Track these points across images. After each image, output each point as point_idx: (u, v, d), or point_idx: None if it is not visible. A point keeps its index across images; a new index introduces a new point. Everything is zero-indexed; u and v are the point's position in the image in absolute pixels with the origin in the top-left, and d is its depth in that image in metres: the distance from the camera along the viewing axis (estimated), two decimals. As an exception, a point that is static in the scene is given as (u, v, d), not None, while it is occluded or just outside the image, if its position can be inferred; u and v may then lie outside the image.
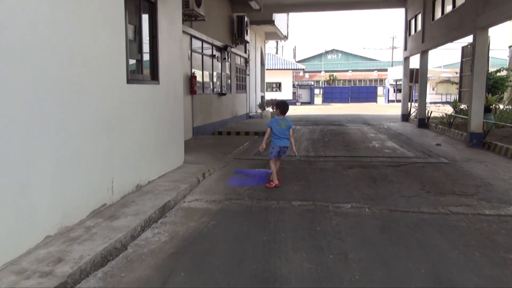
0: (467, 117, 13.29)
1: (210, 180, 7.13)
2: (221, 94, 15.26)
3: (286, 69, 41.50)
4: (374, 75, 73.10)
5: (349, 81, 73.30)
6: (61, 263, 3.46)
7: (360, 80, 73.52)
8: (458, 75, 43.45)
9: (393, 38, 77.52)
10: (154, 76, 6.70)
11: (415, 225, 4.84)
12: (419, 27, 17.29)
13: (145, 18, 6.48)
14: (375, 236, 4.49)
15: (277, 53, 51.03)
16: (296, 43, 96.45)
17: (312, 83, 56.54)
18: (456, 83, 45.52)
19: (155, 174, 6.58)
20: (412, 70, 19.47)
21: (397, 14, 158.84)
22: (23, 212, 3.65)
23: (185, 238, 4.44)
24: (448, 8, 13.46)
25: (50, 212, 4.01)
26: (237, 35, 17.05)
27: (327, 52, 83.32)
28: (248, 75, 20.55)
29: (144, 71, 6.48)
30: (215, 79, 14.87)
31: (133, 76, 5.96)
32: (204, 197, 6.02)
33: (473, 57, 10.72)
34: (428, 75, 19.56)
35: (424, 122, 16.60)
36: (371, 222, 4.95)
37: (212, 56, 14.31)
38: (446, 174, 7.52)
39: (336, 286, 3.39)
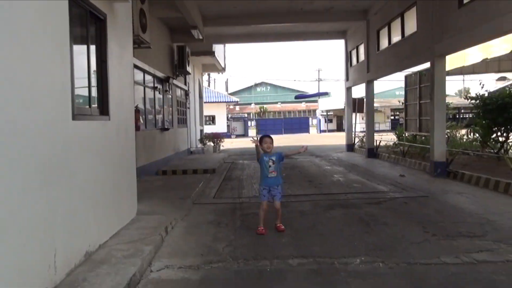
0: (423, 146, 13.17)
1: (175, 235, 5.80)
2: (163, 129, 13.90)
3: (220, 101, 40.82)
4: (303, 106, 75.02)
5: (279, 112, 74.50)
6: None
7: (289, 112, 74.99)
8: (387, 104, 45.33)
9: (318, 71, 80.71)
10: (104, 110, 5.36)
11: (451, 283, 3.95)
12: (361, 58, 17.35)
13: (93, 40, 5.19)
14: (418, 307, 3.51)
15: (209, 85, 50.44)
16: (228, 76, 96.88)
17: (245, 115, 56.38)
18: (379, 111, 47.33)
19: (106, 234, 5.15)
20: (354, 100, 19.48)
21: (323, 48, 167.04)
22: None
23: (171, 334, 3.15)
24: (396, 38, 13.46)
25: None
26: (178, 66, 15.90)
27: (256, 85, 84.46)
28: (189, 108, 19.36)
29: (92, 105, 5.14)
30: (157, 113, 13.53)
31: (80, 110, 4.62)
32: (176, 262, 4.69)
33: (432, 85, 10.53)
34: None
35: (373, 152, 16.39)
36: (397, 283, 3.98)
37: (154, 88, 13.02)
38: (437, 211, 6.84)
39: None
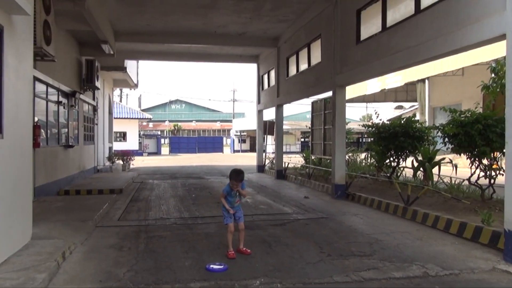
0: (326, 169, 13.99)
1: (73, 261, 5.53)
2: (68, 146, 13.17)
3: (132, 118, 39.65)
4: (218, 125, 75.64)
5: (194, 131, 74.23)
6: None
7: (204, 130, 75.05)
8: (298, 127, 47.17)
9: (233, 91, 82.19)
10: (-4, 127, 5.03)
11: (340, 301, 4.28)
12: (273, 82, 18.09)
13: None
14: (308, 325, 3.75)
15: (121, 101, 48.86)
16: (142, 92, 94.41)
17: (159, 132, 55.27)
18: (290, 134, 49.21)
19: (-6, 262, 4.78)
20: (265, 122, 20.15)
21: (239, 69, 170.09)
22: None
23: None
24: (303, 66, 14.29)
25: None
26: (86, 80, 15.26)
27: (171, 102, 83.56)
28: (97, 124, 18.57)
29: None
30: (61, 129, 12.81)
31: (-33, 128, 4.29)
32: (72, 290, 4.50)
33: (334, 112, 11.33)
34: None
35: (282, 173, 17.02)
36: (292, 303, 4.21)
37: (58, 102, 12.34)
38: (334, 232, 7.33)
39: None
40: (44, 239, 6.09)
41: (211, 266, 5.26)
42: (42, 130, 10.86)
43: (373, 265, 5.41)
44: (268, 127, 20.11)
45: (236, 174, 5.84)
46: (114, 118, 33.34)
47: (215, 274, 5.02)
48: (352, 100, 32.38)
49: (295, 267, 5.32)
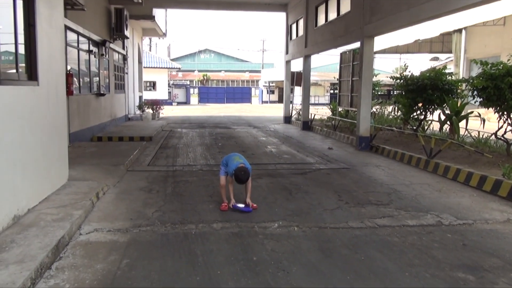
0: (352, 121, 13.98)
1: (106, 201, 5.98)
2: (99, 94, 13.61)
3: (162, 67, 39.93)
4: (246, 76, 75.08)
5: (222, 81, 74.06)
6: None
7: (232, 81, 74.75)
8: (327, 78, 46.39)
9: (263, 41, 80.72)
10: (32, 75, 5.32)
11: (353, 244, 4.52)
12: (301, 32, 17.77)
13: (19, 2, 5.09)
14: (321, 263, 4.02)
15: (150, 50, 48.96)
16: (171, 41, 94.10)
17: (188, 82, 55.60)
18: (319, 85, 48.56)
19: (35, 199, 5.23)
20: (293, 73, 20.00)
21: (268, 18, 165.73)
22: None
23: (96, 289, 3.43)
24: (332, 15, 13.96)
25: None
26: (116, 30, 15.46)
27: (200, 52, 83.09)
28: (127, 73, 18.93)
29: (20, 69, 5.09)
30: (92, 78, 13.20)
31: (6, 75, 4.59)
32: (105, 226, 4.93)
33: (361, 63, 11.17)
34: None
35: (308, 125, 17.11)
36: (307, 245, 4.49)
37: (89, 51, 12.64)
38: (354, 181, 7.52)
39: None
40: (80, 181, 6.55)
41: (238, 204, 5.57)
42: (75, 79, 11.23)
43: (388, 213, 5.61)
44: (296, 78, 19.95)
45: (239, 179, 5.49)
46: (144, 67, 33.79)
47: (236, 216, 5.34)
48: (385, 51, 31.44)
49: (313, 213, 5.59)
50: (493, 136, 9.63)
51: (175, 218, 5.27)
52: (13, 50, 4.96)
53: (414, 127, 12.59)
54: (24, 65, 5.27)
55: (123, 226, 4.93)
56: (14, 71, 4.96)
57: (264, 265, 3.95)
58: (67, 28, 10.28)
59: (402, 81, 12.06)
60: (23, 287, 3.22)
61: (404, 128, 13.09)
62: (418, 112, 12.35)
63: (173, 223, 5.08)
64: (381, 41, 19.47)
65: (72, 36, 11.01)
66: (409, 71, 12.88)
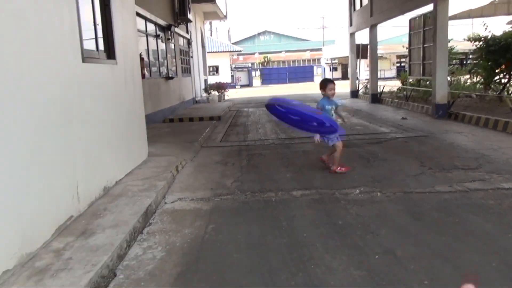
0: (426, 89, 13.24)
1: (185, 173, 6.14)
2: (168, 78, 14.01)
3: (223, 51, 40.31)
4: (307, 55, 73.82)
5: (283, 62, 73.47)
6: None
7: (293, 61, 73.91)
8: (392, 51, 44.32)
9: (323, 18, 78.72)
10: (111, 54, 5.53)
11: (443, 207, 4.26)
12: (365, 1, 17.02)
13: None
14: (410, 226, 3.83)
15: (211, 35, 49.61)
16: (231, 25, 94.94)
17: (249, 65, 55.87)
18: (385, 58, 46.52)
19: (121, 173, 5.48)
20: (358, 46, 19.29)
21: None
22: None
23: (187, 251, 3.50)
24: (400, -22, 13.18)
25: (5, 237, 2.90)
26: (179, 14, 15.75)
27: (259, 34, 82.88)
28: (192, 57, 19.31)
29: (99, 48, 5.30)
30: (161, 62, 13.59)
31: (89, 53, 4.79)
32: (188, 195, 5.05)
33: (435, 27, 10.47)
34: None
35: (377, 97, 16.49)
36: (394, 209, 4.30)
37: (157, 36, 13.00)
38: (435, 148, 7.11)
39: (410, 299, 2.68)
40: (159, 156, 6.79)
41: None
42: (146, 61, 11.61)
43: (479, 177, 5.23)
44: (361, 51, 19.23)
45: (326, 80, 5.75)
46: (207, 52, 34.40)
47: (315, 183, 5.24)
48: (456, 17, 29.34)
49: (395, 179, 5.35)
50: None
51: (254, 187, 5.28)
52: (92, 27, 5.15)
53: (497, 92, 11.65)
54: (102, 44, 5.48)
55: (205, 195, 5.02)
56: (95, 50, 5.16)
57: (351, 228, 3.83)
58: (136, 13, 10.60)
59: (482, 43, 11.16)
60: (120, 247, 3.37)
61: (486, 93, 12.16)
62: (501, 75, 11.40)
63: (252, 191, 5.10)
64: (452, 6, 18.18)
65: (140, 22, 11.34)
66: (490, 31, 11.89)
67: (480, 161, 6.04)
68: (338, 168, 5.74)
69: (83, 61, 4.51)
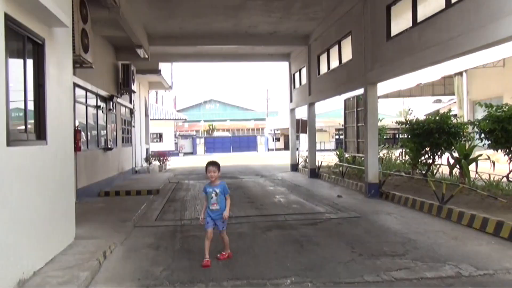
0: (359, 167, 13.88)
1: (113, 259, 5.83)
2: (107, 149, 13.71)
3: (168, 119, 40.54)
4: (251, 124, 75.80)
5: (228, 130, 74.78)
6: None
7: (238, 130, 75.46)
8: (332, 124, 46.53)
9: (267, 90, 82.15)
10: (41, 134, 5.38)
11: (370, 300, 4.32)
12: (304, 80, 18.07)
13: (29, 63, 5.22)
14: (338, 324, 3.83)
15: (156, 102, 49.90)
16: (177, 93, 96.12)
17: (194, 133, 56.24)
18: (325, 131, 48.76)
19: (41, 260, 5.11)
20: (298, 121, 20.16)
21: (272, 68, 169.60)
22: None
23: None
24: (334, 64, 14.22)
25: None
26: (123, 85, 15.83)
27: (205, 102, 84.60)
28: (134, 126, 19.18)
29: (28, 129, 5.14)
30: (100, 133, 13.35)
31: (15, 136, 4.62)
32: (113, 287, 4.76)
33: (366, 110, 11.24)
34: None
35: (315, 172, 17.00)
36: (323, 302, 4.30)
37: (97, 107, 12.88)
38: (366, 231, 7.33)
39: None
40: (87, 239, 6.44)
41: None
42: (83, 133, 11.36)
43: (405, 265, 5.40)
44: (301, 126, 20.10)
45: (208, 163, 5.74)
46: (150, 119, 34.32)
47: (247, 273, 5.16)
48: (387, 96, 31.77)
49: (326, 267, 5.39)
50: (504, 179, 9.47)
51: (184, 277, 5.10)
52: (22, 107, 5.01)
53: (423, 172, 12.45)
54: (33, 123, 5.33)
55: (131, 286, 4.77)
56: (23, 132, 5.00)
57: (279, 327, 3.75)
58: (75, 85, 10.53)
59: (407, 125, 12.08)
60: None
61: (413, 173, 12.95)
62: (426, 156, 12.27)
63: (182, 282, 4.91)
64: (383, 86, 19.70)
65: (80, 92, 11.25)
66: (414, 115, 12.94)
67: (407, 246, 6.28)
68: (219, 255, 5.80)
69: (8, 144, 4.34)
